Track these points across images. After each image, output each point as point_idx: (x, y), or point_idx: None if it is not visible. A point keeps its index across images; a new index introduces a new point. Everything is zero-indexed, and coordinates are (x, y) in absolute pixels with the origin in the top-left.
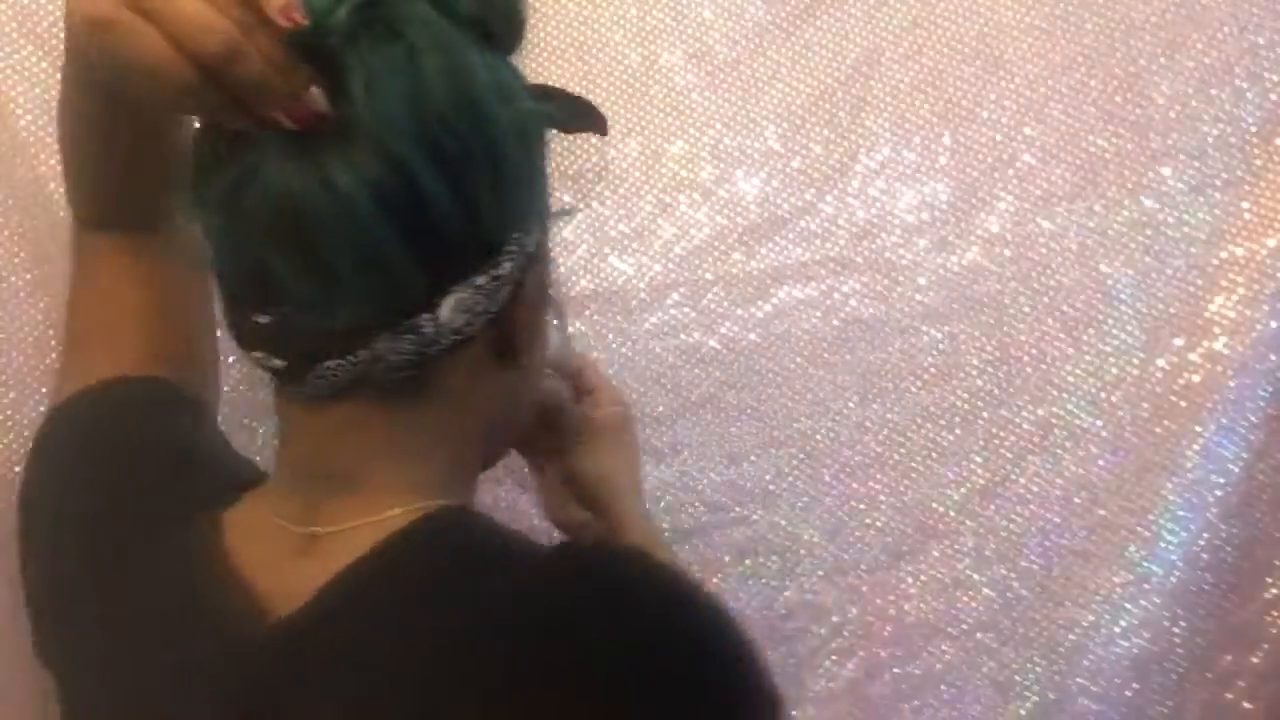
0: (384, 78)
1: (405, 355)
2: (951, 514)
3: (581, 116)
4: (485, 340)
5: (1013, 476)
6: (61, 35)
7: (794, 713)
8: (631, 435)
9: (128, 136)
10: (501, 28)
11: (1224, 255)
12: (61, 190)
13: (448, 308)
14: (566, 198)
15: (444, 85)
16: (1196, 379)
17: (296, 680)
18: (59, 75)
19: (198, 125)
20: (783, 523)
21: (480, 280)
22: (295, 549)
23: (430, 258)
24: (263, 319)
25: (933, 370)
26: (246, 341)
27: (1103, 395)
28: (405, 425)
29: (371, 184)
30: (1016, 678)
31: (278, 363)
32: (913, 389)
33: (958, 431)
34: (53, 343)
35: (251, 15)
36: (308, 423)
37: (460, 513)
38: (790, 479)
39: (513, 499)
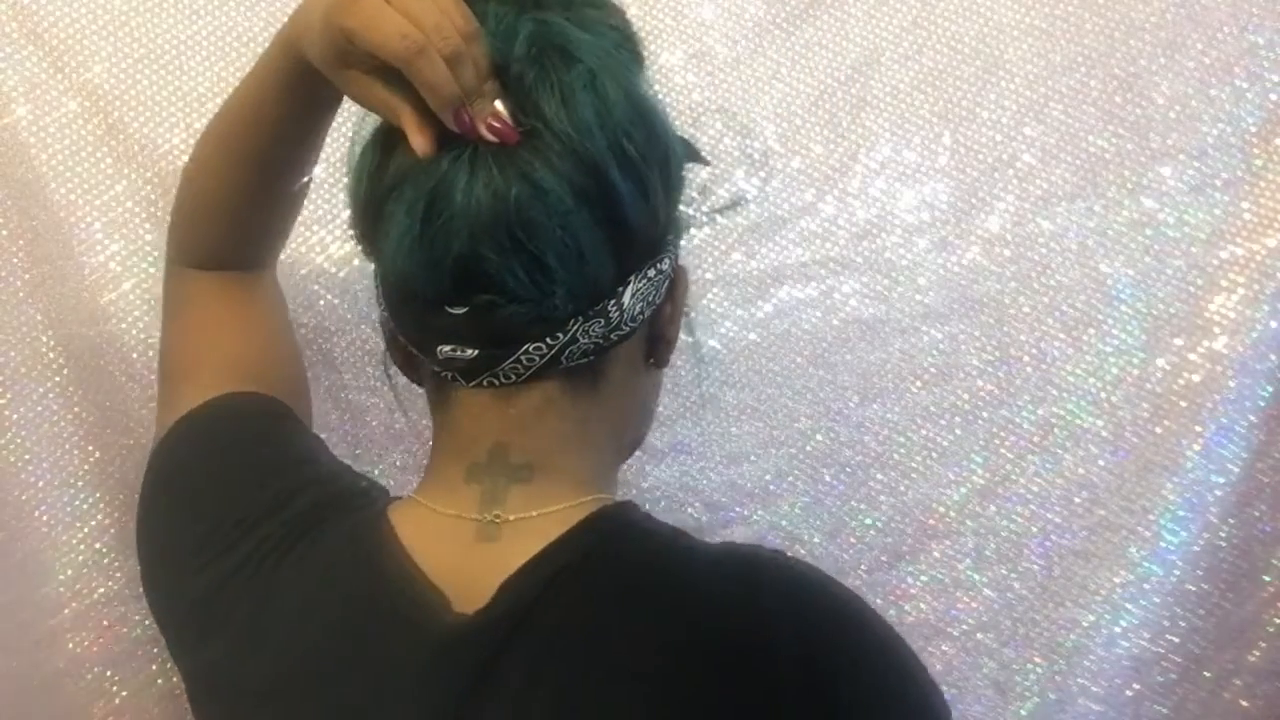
0: (575, 94)
1: (594, 339)
2: (951, 514)
3: (692, 151)
4: (640, 338)
5: (1013, 476)
6: (61, 35)
7: None
8: None
9: (281, 177)
10: (638, 51)
11: (1224, 255)
12: (61, 190)
13: (629, 295)
14: None
15: (622, 101)
16: (1196, 379)
17: (503, 668)
18: (59, 75)
19: (368, 145)
20: (783, 523)
21: (651, 272)
22: (476, 536)
23: (619, 248)
24: (458, 310)
25: (933, 370)
26: (432, 336)
27: (1103, 395)
28: (584, 415)
29: (573, 183)
30: (1016, 678)
31: (469, 353)
32: (913, 389)
33: (958, 431)
34: (51, 343)
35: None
36: (495, 411)
37: (627, 507)
38: (790, 479)
39: None
